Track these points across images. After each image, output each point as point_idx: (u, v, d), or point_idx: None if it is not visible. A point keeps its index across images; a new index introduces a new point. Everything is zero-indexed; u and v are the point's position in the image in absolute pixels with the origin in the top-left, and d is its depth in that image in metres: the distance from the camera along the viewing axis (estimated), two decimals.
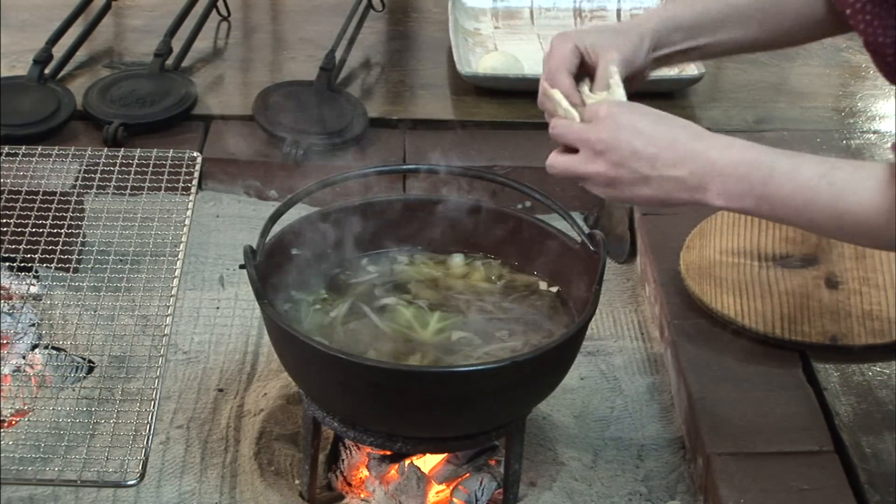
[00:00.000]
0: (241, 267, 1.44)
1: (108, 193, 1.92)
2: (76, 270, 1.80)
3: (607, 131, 1.29)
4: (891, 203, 1.22)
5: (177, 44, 2.45)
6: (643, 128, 1.28)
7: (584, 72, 1.43)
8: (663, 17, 1.47)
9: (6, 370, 1.64)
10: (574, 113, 1.35)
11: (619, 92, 1.35)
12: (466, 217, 1.62)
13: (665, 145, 1.28)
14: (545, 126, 2.34)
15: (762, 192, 1.26)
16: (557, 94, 1.38)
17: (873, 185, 1.23)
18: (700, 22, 1.48)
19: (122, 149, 2.01)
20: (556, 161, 1.35)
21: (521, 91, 2.35)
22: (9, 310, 1.74)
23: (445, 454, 1.56)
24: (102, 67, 2.46)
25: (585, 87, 1.40)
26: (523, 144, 2.22)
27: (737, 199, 1.28)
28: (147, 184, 1.93)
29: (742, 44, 1.52)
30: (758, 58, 2.56)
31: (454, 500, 1.55)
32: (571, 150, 1.34)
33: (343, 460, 1.59)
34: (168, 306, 1.66)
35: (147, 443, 1.44)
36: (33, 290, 1.78)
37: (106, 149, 2.02)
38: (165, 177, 1.93)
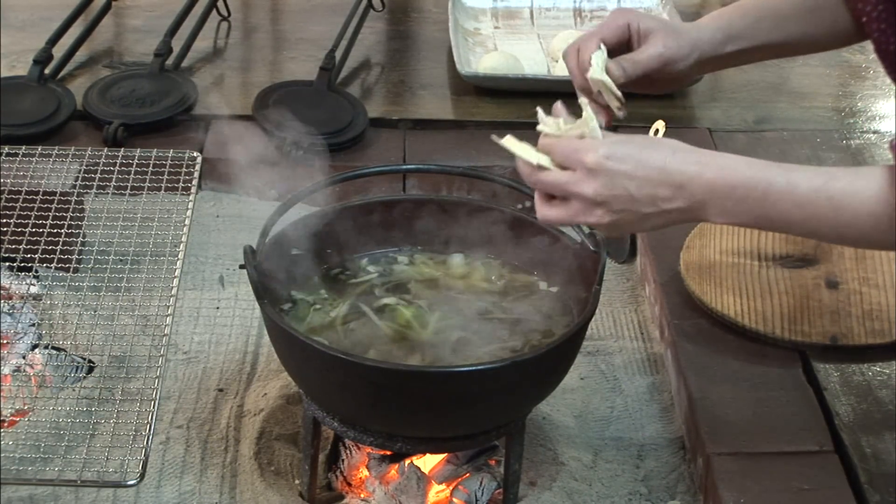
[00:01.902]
0: (241, 267, 1.44)
1: (108, 193, 1.92)
2: (76, 270, 1.80)
3: (601, 184, 1.27)
4: (891, 208, 1.22)
5: (177, 44, 2.45)
6: (633, 171, 1.26)
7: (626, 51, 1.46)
8: (719, 28, 1.49)
9: (6, 370, 1.65)
10: (545, 159, 1.30)
11: (594, 125, 1.30)
12: (466, 217, 1.62)
13: (659, 181, 1.26)
14: None
15: (760, 212, 1.27)
16: (511, 143, 1.33)
17: (871, 194, 1.23)
18: (749, 34, 1.50)
19: (122, 149, 2.02)
20: (550, 214, 1.32)
21: (521, 91, 2.35)
22: (9, 310, 1.74)
23: (445, 454, 1.56)
24: (102, 67, 2.46)
25: (560, 117, 1.34)
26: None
27: (735, 218, 1.28)
28: (147, 184, 1.93)
29: (774, 54, 1.56)
30: None
31: (454, 500, 1.55)
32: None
33: (343, 460, 1.59)
34: (168, 306, 1.67)
35: (147, 443, 1.44)
36: (33, 290, 1.78)
37: (106, 149, 2.03)
38: (165, 177, 1.94)
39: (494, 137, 1.34)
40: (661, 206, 1.27)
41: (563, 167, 1.29)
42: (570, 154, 1.28)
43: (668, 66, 1.46)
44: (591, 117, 1.30)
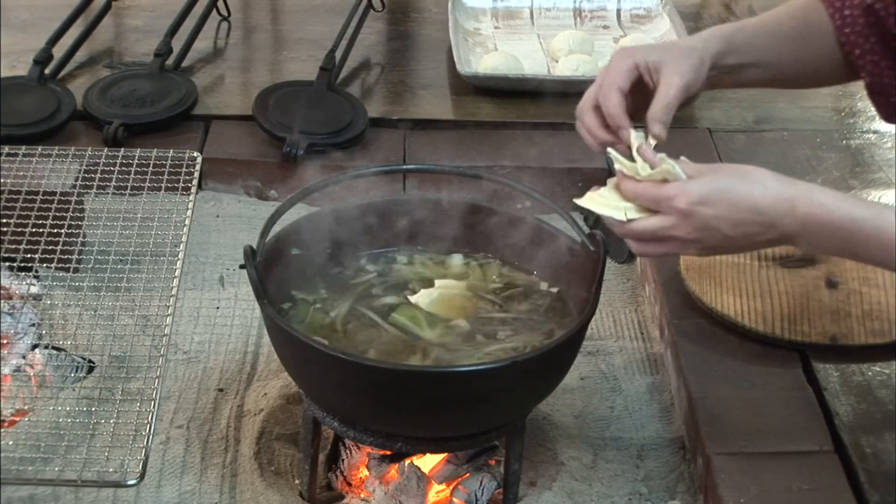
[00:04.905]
0: (241, 267, 1.44)
1: (108, 193, 1.92)
2: (76, 270, 1.80)
3: (695, 226, 1.31)
4: None
5: (177, 44, 2.45)
6: (725, 213, 1.30)
7: (642, 89, 1.45)
8: (721, 38, 1.49)
9: (6, 370, 1.64)
10: (631, 210, 1.33)
11: (677, 170, 1.31)
12: (466, 217, 1.62)
13: (751, 221, 1.30)
14: (545, 126, 2.35)
15: (848, 248, 1.32)
16: (593, 203, 1.36)
17: None
18: (748, 47, 1.50)
19: (122, 149, 2.01)
20: (648, 250, 1.36)
21: (521, 91, 2.35)
22: (9, 310, 1.74)
23: (445, 454, 1.56)
24: (102, 67, 2.46)
25: (640, 150, 1.36)
26: (523, 144, 2.22)
27: (823, 250, 1.41)
28: (147, 184, 1.93)
29: (771, 77, 1.55)
30: None
31: (454, 500, 1.55)
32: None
33: (343, 460, 1.59)
34: (168, 306, 1.66)
35: (147, 443, 1.44)
36: (33, 290, 1.78)
37: (106, 149, 2.02)
38: (165, 177, 1.93)
39: (576, 201, 1.38)
40: (754, 238, 1.32)
41: (653, 210, 1.33)
42: (661, 201, 1.32)
43: (692, 88, 1.47)
44: (671, 163, 1.32)
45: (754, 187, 1.31)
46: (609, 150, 1.39)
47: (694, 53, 1.47)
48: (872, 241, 1.29)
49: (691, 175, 1.32)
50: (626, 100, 1.45)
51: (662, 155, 1.34)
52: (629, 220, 1.34)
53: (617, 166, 1.36)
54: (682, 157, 1.37)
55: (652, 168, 1.34)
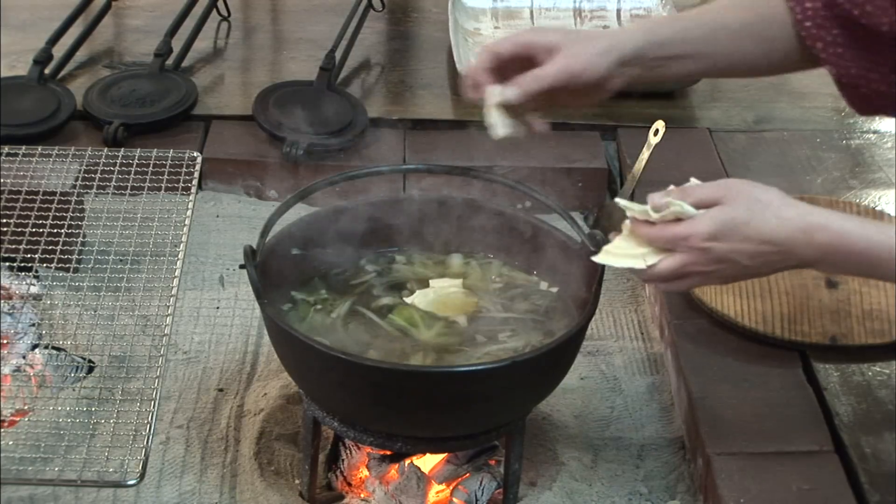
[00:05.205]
0: (241, 267, 1.44)
1: (108, 193, 1.92)
2: (76, 270, 1.80)
3: (711, 259, 1.32)
4: None
5: (177, 44, 2.45)
6: (740, 246, 1.31)
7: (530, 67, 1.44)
8: (645, 32, 1.46)
9: (6, 370, 1.65)
10: (649, 256, 1.35)
11: (686, 207, 1.32)
12: (466, 217, 1.62)
13: (768, 251, 1.31)
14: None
15: (869, 272, 1.35)
16: (613, 259, 1.38)
17: None
18: (678, 39, 1.46)
19: (122, 149, 2.01)
20: (672, 287, 1.38)
21: None
22: (9, 310, 1.74)
23: (445, 454, 1.56)
24: (102, 67, 2.46)
25: (650, 198, 1.36)
26: (523, 144, 2.21)
27: (843, 273, 1.51)
28: (147, 184, 1.93)
29: (708, 67, 1.50)
30: None
31: (454, 500, 1.55)
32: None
33: (343, 460, 1.59)
34: (168, 306, 1.66)
35: (147, 443, 1.44)
36: (33, 290, 1.78)
37: (106, 149, 2.02)
38: (165, 177, 1.93)
39: (593, 259, 1.40)
40: (775, 266, 1.34)
41: (669, 249, 1.34)
42: (676, 241, 1.33)
43: (581, 76, 1.42)
44: (679, 204, 1.32)
45: (769, 219, 1.31)
46: (618, 199, 1.40)
47: (600, 42, 1.44)
48: (885, 263, 1.30)
49: (702, 203, 1.32)
50: (495, 62, 1.45)
51: (669, 199, 1.33)
52: (650, 266, 1.35)
53: (629, 213, 1.37)
54: (692, 178, 1.37)
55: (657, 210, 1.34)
